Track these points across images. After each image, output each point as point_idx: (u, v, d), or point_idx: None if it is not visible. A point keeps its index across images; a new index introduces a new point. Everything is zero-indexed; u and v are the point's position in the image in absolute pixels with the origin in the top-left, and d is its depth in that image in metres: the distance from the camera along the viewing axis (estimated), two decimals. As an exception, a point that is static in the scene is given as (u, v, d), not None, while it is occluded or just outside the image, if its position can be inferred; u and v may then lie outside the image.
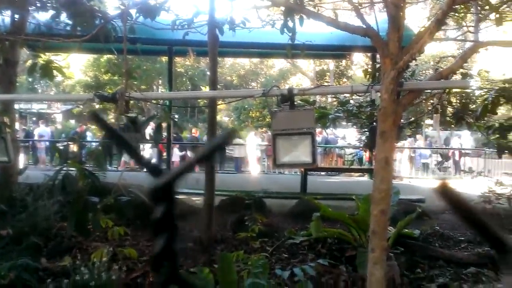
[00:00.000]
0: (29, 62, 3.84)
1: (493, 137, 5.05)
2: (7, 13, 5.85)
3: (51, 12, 4.51)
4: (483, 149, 12.99)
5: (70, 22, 4.05)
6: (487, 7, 4.34)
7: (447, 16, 2.81)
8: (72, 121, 23.54)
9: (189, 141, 15.94)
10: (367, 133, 5.58)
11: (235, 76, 28.47)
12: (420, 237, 5.29)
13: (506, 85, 4.36)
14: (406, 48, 2.56)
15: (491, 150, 8.86)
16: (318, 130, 13.63)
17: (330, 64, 25.16)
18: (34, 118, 20.70)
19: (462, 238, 5.50)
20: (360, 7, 3.32)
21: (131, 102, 3.35)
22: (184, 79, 25.57)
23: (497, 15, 3.84)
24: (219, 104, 16.36)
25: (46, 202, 4.93)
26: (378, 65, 4.34)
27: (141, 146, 12.62)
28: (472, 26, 5.08)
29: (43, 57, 3.88)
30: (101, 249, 4.14)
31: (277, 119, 3.09)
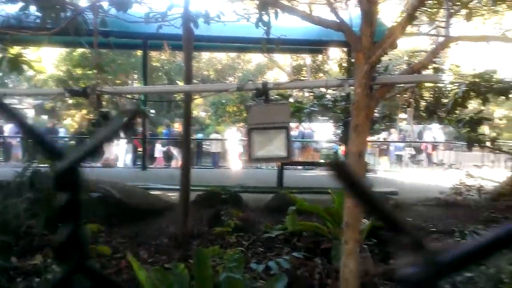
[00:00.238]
0: (-3, 56, 3.71)
1: (464, 131, 5.19)
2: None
3: (20, 4, 4.36)
4: (454, 142, 13.34)
5: (39, 14, 3.93)
6: (458, 3, 4.45)
7: (418, 11, 2.86)
8: (45, 117, 22.95)
9: (173, 136, 15.62)
10: (342, 127, 5.64)
11: (212, 71, 28.30)
12: (394, 229, 5.40)
13: (476, 79, 4.48)
14: (379, 43, 2.60)
15: (461, 143, 9.09)
16: (295, 124, 13.73)
17: (307, 58, 25.28)
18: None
19: (434, 230, 5.64)
20: (334, 1, 3.34)
21: (106, 97, 3.29)
22: (160, 74, 25.26)
23: (467, 11, 3.93)
24: (195, 99, 16.22)
25: (16, 200, 4.79)
26: (352, 60, 4.39)
27: (115, 141, 12.44)
28: (444, 22, 5.19)
29: (12, 51, 3.77)
30: (74, 247, 4.05)
31: (252, 113, 3.08)
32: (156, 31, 4.31)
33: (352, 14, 3.09)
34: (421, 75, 3.14)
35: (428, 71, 5.03)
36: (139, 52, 16.77)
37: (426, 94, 6.48)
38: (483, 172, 9.15)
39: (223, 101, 22.70)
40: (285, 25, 7.56)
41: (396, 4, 15.75)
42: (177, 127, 15.75)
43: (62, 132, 14.97)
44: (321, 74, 26.21)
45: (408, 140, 17.30)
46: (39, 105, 20.89)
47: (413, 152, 16.56)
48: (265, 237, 5.06)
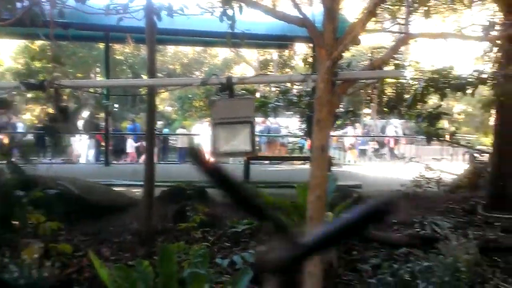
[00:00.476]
0: None
1: (423, 125, 5.37)
2: None
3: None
4: (415, 136, 13.77)
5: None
6: (417, 1, 4.57)
7: (380, 8, 2.92)
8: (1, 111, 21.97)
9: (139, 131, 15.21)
10: (307, 122, 5.71)
11: (178, 65, 27.93)
12: (357, 221, 5.53)
13: (435, 75, 4.64)
14: (340, 39, 2.63)
15: (422, 137, 9.40)
16: (262, 119, 13.77)
17: (274, 54, 25.39)
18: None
19: (395, 221, 5.81)
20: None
21: (67, 91, 3.17)
22: (124, 68, 24.68)
23: (426, 8, 4.04)
24: (159, 93, 15.96)
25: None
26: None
27: (76, 136, 12.09)
28: (404, 19, 5.33)
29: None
30: (32, 246, 3.91)
31: (217, 108, 3.06)
32: (116, 23, 4.20)
33: (315, 10, 3.12)
34: (383, 71, 3.22)
35: (390, 67, 5.17)
36: (102, 45, 16.30)
37: (389, 90, 6.66)
38: (442, 165, 9.50)
39: (190, 96, 22.49)
40: (251, 20, 7.57)
41: (360, 1, 16.06)
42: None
43: (20, 127, 14.40)
44: (287, 69, 26.38)
45: (371, 135, 17.72)
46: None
47: (377, 146, 16.99)
48: (231, 231, 5.06)
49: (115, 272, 2.96)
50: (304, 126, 6.86)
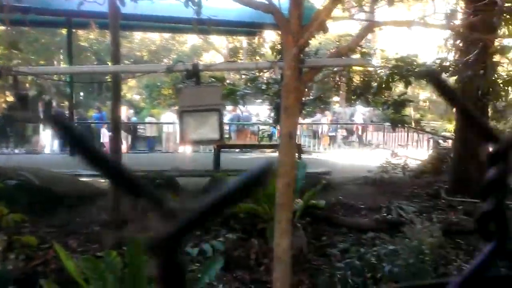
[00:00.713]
0: None
1: (389, 112, 5.49)
2: None
3: None
4: (382, 123, 14.07)
5: None
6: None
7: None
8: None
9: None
10: (275, 109, 5.73)
11: (146, 52, 27.31)
12: (326, 207, 5.62)
13: (399, 63, 4.73)
14: (307, 25, 2.63)
15: (388, 124, 9.63)
16: (231, 107, 13.70)
17: (244, 41, 25.21)
18: None
19: (363, 206, 5.95)
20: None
21: (29, 78, 3.04)
22: (89, 54, 23.93)
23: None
24: (125, 80, 15.60)
25: None
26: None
27: (41, 126, 11.69)
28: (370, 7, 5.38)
29: None
30: (-6, 239, 3.78)
31: (184, 95, 3.02)
32: (77, 8, 4.05)
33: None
34: (349, 59, 3.26)
35: (357, 55, 5.23)
36: (65, 31, 15.73)
37: (356, 78, 6.75)
38: (407, 151, 9.77)
39: (158, 84, 22.09)
40: (219, 6, 7.46)
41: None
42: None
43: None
44: (257, 57, 26.27)
45: (340, 122, 17.96)
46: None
47: (345, 134, 17.26)
48: (201, 220, 5.05)
49: (82, 264, 2.91)
50: (273, 113, 6.87)
